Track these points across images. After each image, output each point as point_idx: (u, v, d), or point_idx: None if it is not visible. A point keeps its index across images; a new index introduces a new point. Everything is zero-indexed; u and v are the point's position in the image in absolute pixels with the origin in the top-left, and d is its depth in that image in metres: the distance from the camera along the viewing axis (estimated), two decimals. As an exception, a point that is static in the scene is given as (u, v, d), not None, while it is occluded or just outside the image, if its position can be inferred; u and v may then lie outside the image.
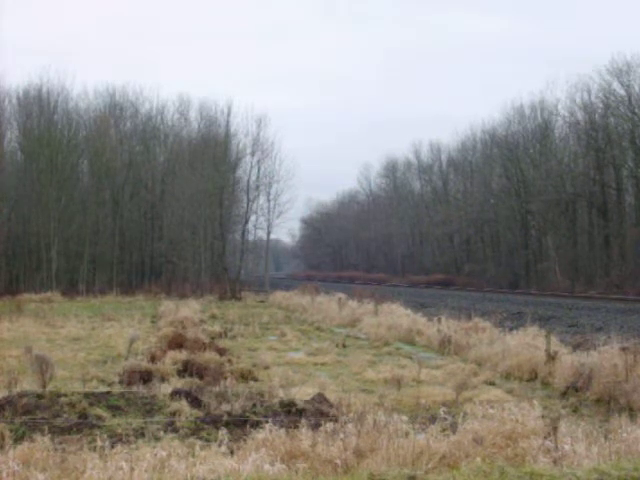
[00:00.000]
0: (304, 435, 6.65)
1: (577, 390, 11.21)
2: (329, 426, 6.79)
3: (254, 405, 8.83)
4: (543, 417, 7.02)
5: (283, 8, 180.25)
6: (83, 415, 8.52)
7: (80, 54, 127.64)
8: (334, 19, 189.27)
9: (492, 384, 12.38)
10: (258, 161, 50.50)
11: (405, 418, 7.07)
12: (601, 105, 48.95)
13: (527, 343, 14.47)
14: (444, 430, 6.93)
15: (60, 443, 6.81)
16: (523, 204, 55.46)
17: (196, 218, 48.91)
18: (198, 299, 36.58)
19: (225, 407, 8.66)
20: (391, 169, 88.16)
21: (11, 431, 7.41)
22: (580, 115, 51.30)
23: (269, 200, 50.86)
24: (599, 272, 46.57)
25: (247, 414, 8.44)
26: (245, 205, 51.45)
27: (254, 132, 50.53)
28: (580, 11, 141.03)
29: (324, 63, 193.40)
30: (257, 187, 50.50)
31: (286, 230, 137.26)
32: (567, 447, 6.31)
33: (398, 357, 16.04)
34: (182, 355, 13.68)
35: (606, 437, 6.79)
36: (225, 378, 11.34)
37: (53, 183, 47.02)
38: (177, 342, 15.49)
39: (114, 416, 8.60)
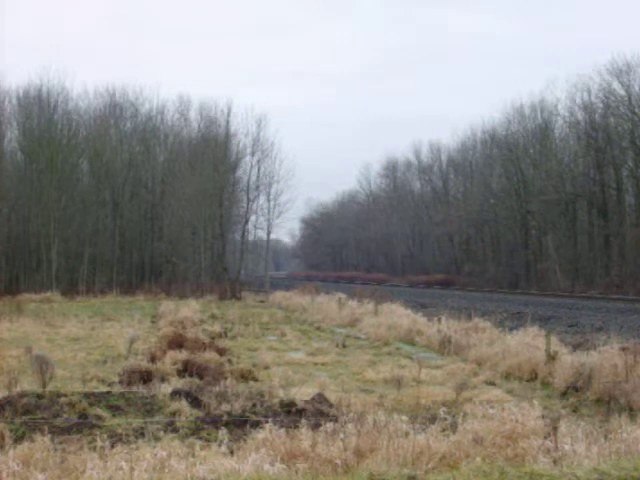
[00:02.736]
0: (304, 435, 6.65)
1: (577, 390, 11.21)
2: (329, 426, 6.78)
3: (254, 405, 8.83)
4: (543, 417, 7.01)
5: (282, 7, 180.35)
6: (83, 415, 8.52)
7: (80, 54, 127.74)
8: (334, 18, 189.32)
9: (492, 384, 12.38)
10: (258, 161, 50.46)
11: (405, 418, 7.06)
12: (601, 105, 48.94)
13: (527, 343, 14.46)
14: (444, 430, 6.92)
15: (60, 443, 6.81)
16: (523, 204, 55.45)
17: (196, 218, 48.87)
18: (198, 299, 36.57)
19: (225, 407, 8.66)
20: (391, 169, 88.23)
21: (11, 431, 7.41)
22: (580, 115, 51.36)
23: (269, 200, 50.77)
24: (599, 272, 46.57)
25: (247, 414, 8.44)
26: (245, 205, 51.43)
27: (254, 132, 50.50)
28: (580, 11, 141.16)
29: (324, 63, 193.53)
30: (257, 187, 50.45)
31: (286, 230, 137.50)
32: (567, 447, 6.31)
33: (398, 357, 16.04)
34: (182, 355, 13.67)
35: (606, 437, 6.79)
36: (225, 378, 11.35)
37: (53, 183, 46.99)
38: (177, 342, 15.48)
39: (114, 416, 8.61)
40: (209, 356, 13.73)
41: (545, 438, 6.47)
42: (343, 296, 30.19)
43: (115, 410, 8.94)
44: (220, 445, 6.62)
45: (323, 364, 14.93)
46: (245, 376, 12.43)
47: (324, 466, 6.01)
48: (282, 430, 6.82)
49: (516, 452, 6.28)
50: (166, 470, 5.78)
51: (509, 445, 6.40)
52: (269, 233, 53.26)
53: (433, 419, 7.34)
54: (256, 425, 7.60)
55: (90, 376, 12.11)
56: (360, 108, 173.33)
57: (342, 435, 6.46)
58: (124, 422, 8.17)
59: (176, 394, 9.39)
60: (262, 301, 40.97)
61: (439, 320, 19.59)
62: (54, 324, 22.79)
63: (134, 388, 10.61)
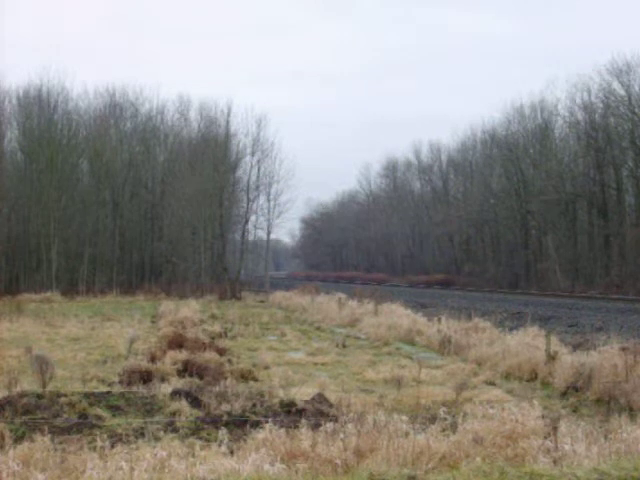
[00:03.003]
0: (304, 435, 6.65)
1: (577, 390, 11.20)
2: (329, 426, 6.78)
3: (254, 405, 8.83)
4: (543, 417, 7.01)
5: (282, 7, 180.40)
6: (83, 415, 8.52)
7: (80, 54, 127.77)
8: (334, 18, 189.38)
9: (492, 384, 12.38)
10: (258, 161, 50.44)
11: (405, 418, 7.06)
12: (601, 105, 48.94)
13: (527, 343, 14.46)
14: (444, 430, 6.92)
15: (60, 443, 6.81)
16: (523, 204, 55.44)
17: (196, 218, 48.87)
18: (198, 299, 36.57)
19: (225, 407, 8.66)
20: (391, 169, 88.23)
21: (11, 431, 7.41)
22: (580, 115, 51.35)
23: (269, 200, 50.74)
24: (599, 272, 46.56)
25: (247, 414, 8.44)
26: (245, 205, 51.42)
27: (254, 132, 50.47)
28: (580, 11, 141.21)
29: (324, 63, 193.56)
30: (257, 187, 50.43)
31: (286, 230, 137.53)
32: (567, 447, 6.31)
33: (398, 357, 16.03)
34: (182, 355, 13.68)
35: (606, 437, 6.79)
36: (225, 378, 11.35)
37: (53, 183, 46.99)
38: (177, 342, 15.48)
39: (114, 416, 8.61)
40: (209, 356, 13.72)
41: (545, 438, 6.47)
42: (343, 296, 30.18)
43: (115, 410, 8.94)
44: (220, 445, 6.62)
45: (323, 364, 14.93)
46: (245, 376, 12.43)
47: (324, 466, 6.00)
48: (282, 430, 6.82)
49: (516, 452, 6.28)
50: (166, 470, 5.78)
51: (509, 445, 6.40)
52: (269, 233, 53.31)
53: (433, 419, 7.34)
54: (256, 425, 7.60)
55: (90, 376, 12.11)
56: (360, 108, 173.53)
57: (342, 435, 6.46)
58: (124, 422, 8.17)
59: (176, 394, 9.39)
60: (262, 301, 40.96)
61: (439, 320, 19.58)
62: (54, 324, 22.78)
63: (134, 388, 10.61)
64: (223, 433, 6.80)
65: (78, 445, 6.71)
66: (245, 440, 6.87)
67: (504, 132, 59.43)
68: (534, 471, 5.64)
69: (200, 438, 7.48)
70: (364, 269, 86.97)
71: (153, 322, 24.95)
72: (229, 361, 14.22)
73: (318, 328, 23.43)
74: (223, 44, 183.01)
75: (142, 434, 7.51)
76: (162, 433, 7.55)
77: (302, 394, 9.97)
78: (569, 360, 12.15)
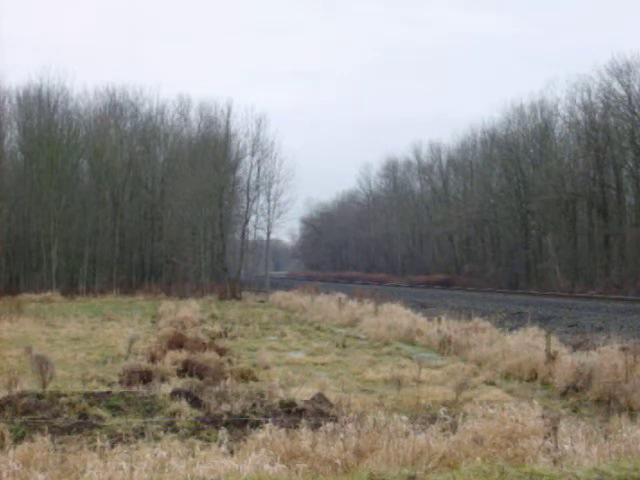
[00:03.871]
0: (304, 435, 6.65)
1: (577, 390, 11.21)
2: (329, 426, 6.78)
3: (254, 405, 8.83)
4: (543, 417, 7.02)
5: (282, 7, 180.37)
6: (83, 415, 8.52)
7: (80, 54, 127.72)
8: (333, 18, 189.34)
9: (492, 384, 12.38)
10: (258, 161, 50.43)
11: (405, 418, 7.06)
12: (601, 105, 48.95)
13: (527, 343, 14.47)
14: (444, 430, 6.92)
15: (60, 443, 6.82)
16: (523, 204, 55.44)
17: (196, 218, 48.88)
18: (198, 299, 36.56)
19: (225, 407, 8.66)
20: (391, 169, 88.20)
21: (11, 431, 7.41)
22: (580, 115, 51.37)
23: (269, 200, 50.72)
24: (599, 272, 46.55)
25: (247, 414, 8.44)
26: (245, 205, 51.42)
27: (254, 132, 50.46)
28: (580, 11, 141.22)
29: (324, 63, 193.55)
30: (257, 187, 50.42)
31: (286, 230, 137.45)
32: (567, 447, 6.31)
33: (398, 357, 16.03)
34: (182, 355, 13.68)
35: (606, 437, 6.79)
36: (225, 378, 11.35)
37: (53, 183, 47.00)
38: (177, 342, 15.48)
39: (114, 416, 8.61)
40: (209, 356, 13.72)
41: (545, 438, 6.47)
42: (343, 296, 30.18)
43: (115, 410, 8.94)
44: (220, 445, 6.61)
45: (323, 364, 14.93)
46: (245, 376, 12.44)
47: (324, 466, 6.01)
48: (282, 430, 6.82)
49: (516, 452, 6.28)
50: (166, 470, 5.78)
51: (509, 445, 6.40)
52: (269, 233, 53.31)
53: (433, 419, 7.34)
54: (256, 425, 7.60)
55: (90, 376, 12.11)
56: (360, 108, 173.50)
57: (342, 435, 6.46)
58: (124, 422, 8.17)
59: (176, 394, 9.39)
60: (262, 301, 40.97)
61: (439, 320, 19.58)
62: (54, 324, 22.79)
63: (134, 388, 10.61)
64: (223, 433, 6.79)
65: (78, 445, 6.71)
66: (245, 440, 6.88)
67: (504, 132, 59.49)
68: (534, 471, 5.64)
69: (200, 438, 7.48)
70: (364, 269, 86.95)
71: (153, 322, 24.94)
72: (229, 361, 14.22)
73: (318, 328, 23.42)
74: (223, 44, 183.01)
75: (142, 434, 7.51)
76: (162, 433, 7.55)
77: (302, 394, 9.97)
78: (569, 360, 12.16)
